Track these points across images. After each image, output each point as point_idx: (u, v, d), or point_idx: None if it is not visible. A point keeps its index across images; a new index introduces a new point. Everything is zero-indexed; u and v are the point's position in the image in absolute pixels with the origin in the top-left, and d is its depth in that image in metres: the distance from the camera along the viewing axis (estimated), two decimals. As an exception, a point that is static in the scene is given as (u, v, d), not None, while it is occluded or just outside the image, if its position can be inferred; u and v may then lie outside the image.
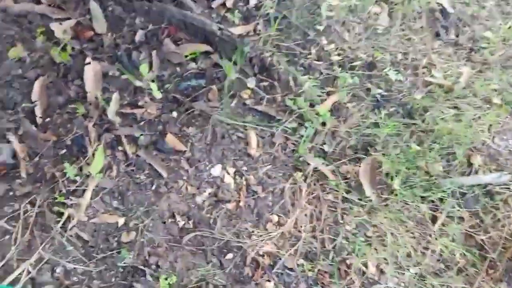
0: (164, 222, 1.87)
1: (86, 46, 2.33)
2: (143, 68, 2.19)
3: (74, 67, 2.26)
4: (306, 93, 2.27)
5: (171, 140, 2.03)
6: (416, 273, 1.91)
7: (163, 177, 1.93)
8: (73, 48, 2.31)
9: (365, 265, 1.87)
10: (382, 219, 1.97)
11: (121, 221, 1.83)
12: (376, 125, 2.26)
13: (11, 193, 1.85)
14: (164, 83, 2.25)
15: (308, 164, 2.07)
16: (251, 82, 2.28)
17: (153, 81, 2.19)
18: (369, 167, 2.11)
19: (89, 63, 2.26)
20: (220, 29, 2.37)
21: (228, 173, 1.99)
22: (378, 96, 2.38)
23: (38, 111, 2.13)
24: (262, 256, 1.85)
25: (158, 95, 2.14)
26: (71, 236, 1.77)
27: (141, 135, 2.04)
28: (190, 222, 1.89)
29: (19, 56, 2.27)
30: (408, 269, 1.90)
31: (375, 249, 1.91)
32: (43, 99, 2.17)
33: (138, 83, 2.19)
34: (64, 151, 1.98)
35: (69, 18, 2.42)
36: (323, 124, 2.20)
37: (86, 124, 2.05)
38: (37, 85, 2.20)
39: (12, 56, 2.28)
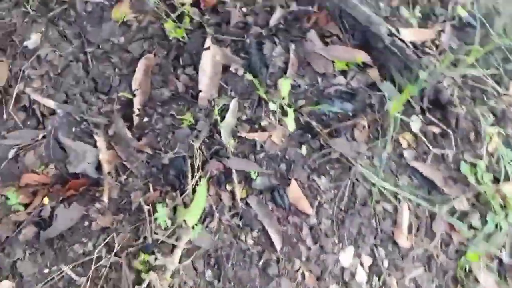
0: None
1: (208, 19, 1.68)
2: (284, 85, 1.53)
3: (189, 47, 1.63)
4: (491, 157, 1.58)
5: (295, 192, 1.45)
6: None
7: (276, 250, 1.40)
8: (191, 19, 1.68)
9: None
10: None
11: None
12: None
13: (86, 223, 1.37)
14: (297, 97, 1.61)
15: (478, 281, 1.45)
16: (415, 124, 1.62)
17: (283, 99, 1.54)
18: None
19: (208, 48, 1.71)
20: (390, 34, 1.69)
21: (362, 265, 1.44)
22: None
23: (136, 104, 1.58)
24: None
25: (291, 121, 1.55)
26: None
27: (257, 175, 1.50)
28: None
29: (124, 18, 1.76)
30: None
31: None
32: (145, 88, 1.57)
33: (265, 95, 1.56)
34: (157, 173, 1.46)
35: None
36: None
37: (191, 140, 1.48)
38: (141, 66, 1.60)
39: (116, 17, 1.79)
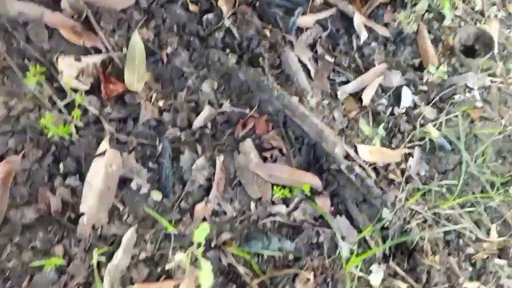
0: None
1: (109, 112, 1.24)
2: (199, 233, 1.06)
3: (76, 149, 1.16)
4: None
5: None
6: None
7: None
8: (85, 111, 1.25)
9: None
10: None
11: None
12: None
13: None
14: (221, 229, 1.17)
15: None
16: (376, 276, 1.21)
17: (199, 245, 1.07)
18: None
19: (104, 152, 1.27)
20: (347, 156, 1.34)
21: None
22: None
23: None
24: None
25: (207, 277, 1.08)
26: None
27: None
28: None
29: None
30: None
31: None
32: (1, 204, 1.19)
33: (174, 227, 1.13)
34: None
35: (99, 51, 1.31)
36: None
37: None
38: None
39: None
